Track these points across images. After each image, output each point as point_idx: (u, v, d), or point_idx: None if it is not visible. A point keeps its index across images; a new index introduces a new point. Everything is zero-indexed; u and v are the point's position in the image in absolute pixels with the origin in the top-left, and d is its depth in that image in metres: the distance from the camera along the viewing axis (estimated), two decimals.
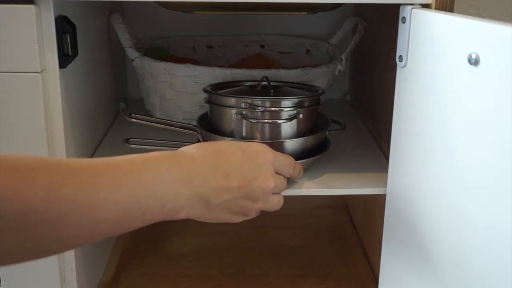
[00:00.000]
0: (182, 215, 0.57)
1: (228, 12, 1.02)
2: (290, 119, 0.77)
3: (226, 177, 0.59)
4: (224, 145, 0.63)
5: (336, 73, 0.98)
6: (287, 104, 0.78)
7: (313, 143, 0.80)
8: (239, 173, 0.60)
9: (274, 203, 0.65)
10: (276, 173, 0.66)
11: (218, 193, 0.59)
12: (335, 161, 0.85)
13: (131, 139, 0.80)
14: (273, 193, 0.65)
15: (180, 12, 0.98)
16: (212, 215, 0.60)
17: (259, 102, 0.77)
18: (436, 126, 0.62)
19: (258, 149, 0.64)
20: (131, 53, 0.95)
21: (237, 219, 0.63)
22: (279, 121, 0.77)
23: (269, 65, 1.05)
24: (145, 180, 0.53)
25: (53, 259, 0.74)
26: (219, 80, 0.90)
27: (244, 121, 0.78)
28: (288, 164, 0.68)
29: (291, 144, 0.78)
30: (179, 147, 0.82)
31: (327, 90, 0.92)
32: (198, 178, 0.57)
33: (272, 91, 0.81)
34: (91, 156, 0.86)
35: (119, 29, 0.96)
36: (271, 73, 0.89)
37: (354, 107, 1.14)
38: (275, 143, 0.78)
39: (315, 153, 0.80)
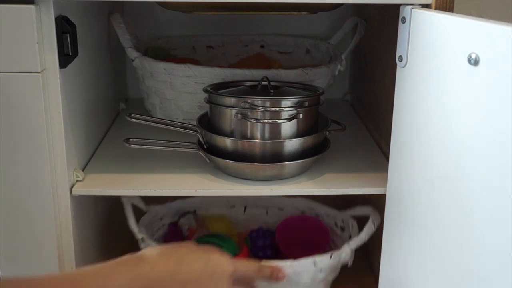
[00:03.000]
0: None
1: (228, 12, 1.02)
2: (290, 119, 0.77)
3: (183, 285, 0.63)
4: (187, 253, 0.65)
5: (336, 73, 0.98)
6: (287, 104, 0.78)
7: (313, 143, 0.80)
8: (197, 284, 0.64)
9: None
10: (242, 281, 0.70)
11: None
12: (335, 161, 0.85)
13: (131, 139, 0.80)
14: None
15: (180, 12, 0.98)
16: None
17: (259, 102, 0.77)
18: (436, 126, 0.62)
19: (219, 261, 0.67)
20: (131, 53, 0.95)
21: None
22: (279, 121, 0.77)
23: (269, 65, 1.05)
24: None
25: (53, 259, 0.74)
26: (219, 80, 0.90)
27: (244, 121, 0.78)
28: (251, 271, 0.72)
29: (291, 144, 0.78)
30: (179, 147, 0.82)
31: (327, 90, 0.92)
32: (155, 286, 0.61)
33: (272, 91, 0.81)
34: (91, 155, 0.86)
35: (119, 29, 0.96)
36: (271, 73, 0.89)
37: (354, 107, 1.14)
38: (275, 143, 0.78)
39: (315, 153, 0.80)
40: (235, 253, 0.87)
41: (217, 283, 0.66)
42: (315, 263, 0.79)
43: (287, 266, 0.77)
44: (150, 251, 0.64)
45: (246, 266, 0.71)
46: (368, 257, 0.98)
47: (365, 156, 0.88)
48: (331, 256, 0.80)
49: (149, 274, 0.61)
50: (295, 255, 0.79)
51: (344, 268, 0.95)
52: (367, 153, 0.90)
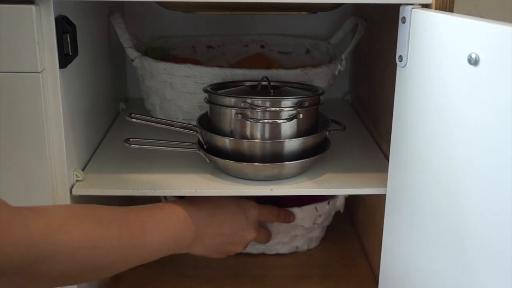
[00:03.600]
0: (185, 251, 0.76)
1: (228, 12, 1.02)
2: (290, 119, 0.77)
3: (220, 225, 0.78)
4: (222, 199, 0.80)
5: (336, 73, 0.98)
6: (287, 104, 0.78)
7: (313, 143, 0.80)
8: (232, 223, 0.79)
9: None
10: (263, 221, 0.89)
11: (213, 237, 0.77)
12: (335, 161, 0.85)
13: (131, 139, 0.80)
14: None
15: (180, 12, 0.98)
16: (207, 253, 0.79)
17: (259, 102, 0.77)
18: (436, 126, 0.62)
19: (248, 205, 0.82)
20: (131, 53, 0.95)
21: (221, 257, 0.82)
22: (279, 121, 0.77)
23: (269, 65, 1.05)
24: (170, 225, 0.73)
25: None
26: (219, 80, 0.90)
27: (244, 121, 0.78)
28: (271, 214, 0.87)
29: (291, 144, 0.78)
30: (179, 147, 0.82)
31: (327, 90, 0.92)
32: (200, 224, 0.76)
33: (272, 91, 0.81)
34: (91, 155, 0.86)
35: (119, 29, 0.96)
36: (271, 73, 0.89)
37: (354, 107, 1.14)
38: (275, 143, 0.78)
39: (315, 153, 0.80)
40: None
41: (247, 223, 0.81)
42: (316, 209, 0.92)
43: (295, 211, 0.91)
44: (193, 197, 0.77)
45: (267, 210, 0.86)
46: (368, 257, 0.98)
47: (365, 156, 0.88)
48: (328, 203, 0.94)
49: (196, 214, 0.75)
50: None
51: (344, 268, 0.96)
52: (367, 153, 0.90)
